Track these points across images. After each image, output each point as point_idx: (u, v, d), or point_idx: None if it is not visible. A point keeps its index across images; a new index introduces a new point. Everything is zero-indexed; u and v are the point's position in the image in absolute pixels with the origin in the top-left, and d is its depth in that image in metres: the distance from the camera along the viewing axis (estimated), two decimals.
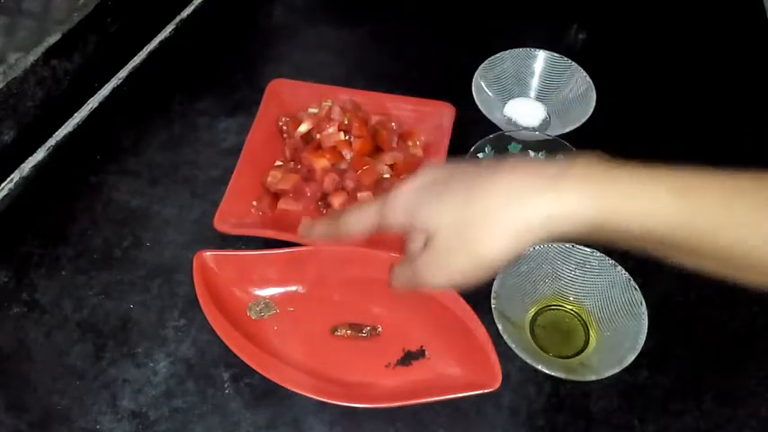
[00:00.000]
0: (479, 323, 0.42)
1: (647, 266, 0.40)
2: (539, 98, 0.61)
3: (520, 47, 0.61)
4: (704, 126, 0.61)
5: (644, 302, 0.44)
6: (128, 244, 0.51)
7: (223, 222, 0.50)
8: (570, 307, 0.47)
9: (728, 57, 0.67)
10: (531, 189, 0.30)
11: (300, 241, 0.48)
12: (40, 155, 0.56)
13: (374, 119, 0.57)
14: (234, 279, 0.47)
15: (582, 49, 0.68)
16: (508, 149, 0.54)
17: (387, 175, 0.54)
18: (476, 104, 0.57)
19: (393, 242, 0.38)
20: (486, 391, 0.41)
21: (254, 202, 0.53)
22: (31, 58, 0.53)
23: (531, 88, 0.62)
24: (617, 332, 0.44)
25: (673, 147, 0.60)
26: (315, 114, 0.57)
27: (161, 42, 0.66)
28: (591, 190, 0.29)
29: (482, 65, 0.60)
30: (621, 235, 0.30)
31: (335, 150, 0.54)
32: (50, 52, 0.55)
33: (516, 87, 0.61)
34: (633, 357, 0.42)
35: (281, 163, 0.55)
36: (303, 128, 0.56)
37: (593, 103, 0.56)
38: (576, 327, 0.47)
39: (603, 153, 0.32)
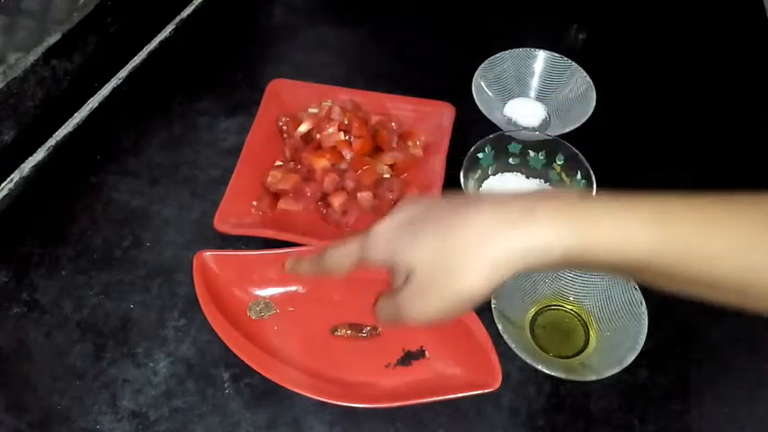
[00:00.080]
0: (479, 323, 0.42)
1: None
2: (539, 98, 0.61)
3: (520, 47, 0.61)
4: (704, 126, 0.61)
5: (644, 302, 0.44)
6: (128, 244, 0.51)
7: (223, 222, 0.50)
8: (570, 307, 0.47)
9: (728, 57, 0.67)
10: (505, 224, 0.30)
11: (301, 241, 0.49)
12: (40, 155, 0.56)
13: (374, 119, 0.57)
14: (234, 279, 0.47)
15: (582, 49, 0.68)
16: (508, 149, 0.54)
17: (387, 175, 0.54)
18: (476, 104, 0.57)
19: None
20: (486, 391, 0.41)
21: (254, 202, 0.53)
22: (31, 58, 0.53)
23: (531, 88, 0.62)
24: (617, 332, 0.44)
25: (673, 147, 0.60)
26: (315, 114, 0.57)
27: (161, 42, 0.66)
28: (564, 223, 0.30)
29: (482, 65, 0.60)
30: (599, 264, 0.31)
31: (335, 150, 0.54)
32: (50, 52, 0.55)
33: (516, 87, 0.61)
34: (633, 357, 0.42)
35: (281, 163, 0.55)
36: (303, 128, 0.56)
37: (593, 103, 0.56)
38: (576, 327, 0.47)
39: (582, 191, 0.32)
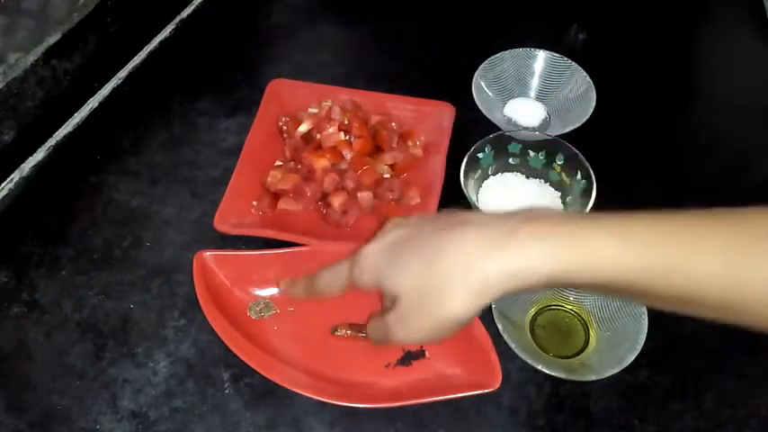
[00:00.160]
0: (479, 323, 0.42)
1: None
2: (539, 98, 0.61)
3: (520, 47, 0.61)
4: (704, 126, 0.61)
5: None
6: (128, 244, 0.51)
7: (223, 222, 0.50)
8: (570, 307, 0.47)
9: (728, 57, 0.67)
10: (488, 247, 0.31)
11: (301, 241, 0.49)
12: (40, 155, 0.56)
13: (374, 119, 0.57)
14: (234, 279, 0.47)
15: (582, 49, 0.68)
16: (508, 149, 0.54)
17: (387, 175, 0.54)
18: (476, 104, 0.57)
19: None
20: (486, 390, 0.41)
21: (254, 202, 0.53)
22: (31, 58, 0.53)
23: (531, 88, 0.62)
24: (617, 332, 0.44)
25: (673, 147, 0.60)
26: (315, 114, 0.57)
27: (161, 42, 0.66)
28: (546, 246, 0.30)
29: (482, 65, 0.60)
30: (583, 285, 0.31)
31: (335, 150, 0.54)
32: (50, 52, 0.55)
33: (516, 87, 0.61)
34: (633, 357, 0.42)
35: (281, 163, 0.55)
36: (303, 128, 0.56)
37: (593, 103, 0.56)
38: (576, 327, 0.47)
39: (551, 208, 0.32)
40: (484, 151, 0.53)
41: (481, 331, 0.43)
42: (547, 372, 0.42)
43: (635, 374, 0.44)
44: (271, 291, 0.47)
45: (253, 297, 0.47)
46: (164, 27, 0.67)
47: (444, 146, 0.55)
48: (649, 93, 0.64)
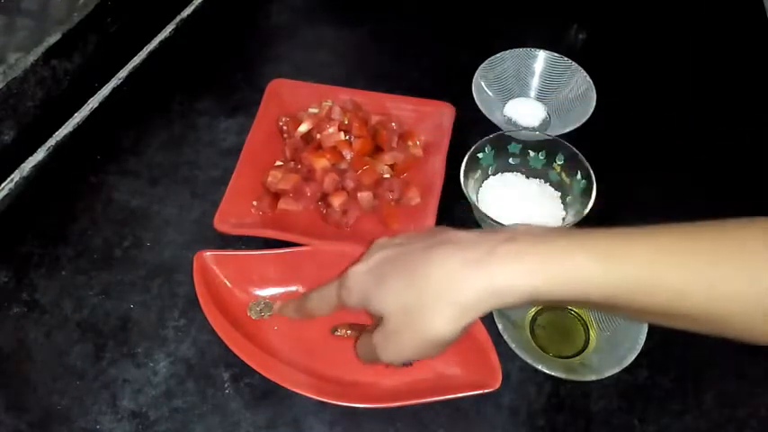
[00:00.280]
0: (479, 323, 0.42)
1: None
2: (539, 98, 0.61)
3: (520, 47, 0.61)
4: (704, 126, 0.61)
5: None
6: (128, 244, 0.51)
7: (223, 222, 0.50)
8: (570, 307, 0.47)
9: (728, 57, 0.67)
10: (467, 267, 0.31)
11: (301, 241, 0.49)
12: (40, 155, 0.56)
13: (374, 119, 0.57)
14: (234, 279, 0.47)
15: (582, 48, 0.68)
16: (508, 149, 0.54)
17: (387, 175, 0.54)
18: (476, 104, 0.57)
19: None
20: (486, 390, 0.41)
21: (255, 202, 0.53)
22: (31, 58, 0.53)
23: (532, 88, 0.62)
24: (617, 332, 0.44)
25: (673, 147, 0.60)
26: (315, 114, 0.57)
27: (161, 42, 0.66)
28: (526, 264, 0.30)
29: (482, 65, 0.60)
30: (564, 301, 0.31)
31: (336, 150, 0.54)
32: (50, 52, 0.55)
33: (516, 87, 0.61)
34: (633, 357, 0.42)
35: (281, 163, 0.55)
36: (303, 128, 0.56)
37: (594, 103, 0.56)
38: (577, 326, 0.47)
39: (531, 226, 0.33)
40: (484, 151, 0.53)
41: (481, 331, 0.43)
42: (547, 372, 0.42)
43: (635, 374, 0.44)
44: (271, 291, 0.47)
45: (253, 297, 0.47)
46: (164, 27, 0.67)
47: (444, 146, 0.55)
48: (649, 93, 0.64)
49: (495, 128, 0.56)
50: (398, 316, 0.33)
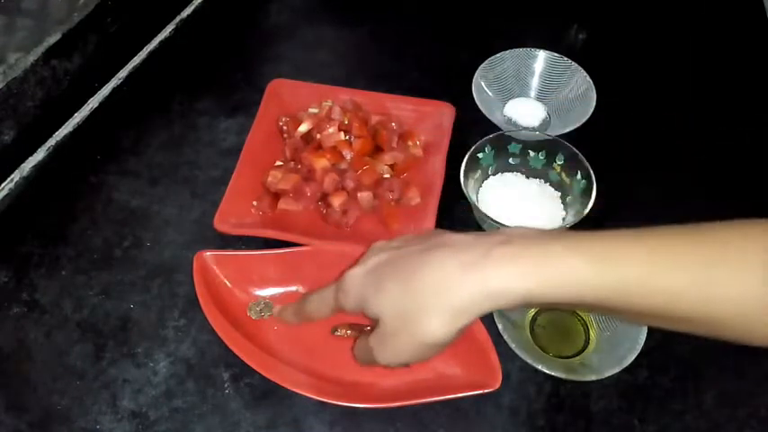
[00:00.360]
0: (479, 323, 0.42)
1: None
2: (539, 98, 0.61)
3: (520, 47, 0.61)
4: (704, 126, 0.61)
5: None
6: (128, 244, 0.51)
7: (223, 222, 0.50)
8: (566, 309, 0.47)
9: (728, 57, 0.67)
10: (462, 270, 0.32)
11: (301, 241, 0.49)
12: (40, 155, 0.56)
13: (374, 119, 0.57)
14: (234, 279, 0.47)
15: (582, 48, 0.68)
16: (508, 149, 0.54)
17: (387, 175, 0.54)
18: (476, 104, 0.57)
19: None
20: (486, 390, 0.41)
21: (255, 202, 0.53)
22: (31, 57, 0.53)
23: (532, 88, 0.62)
24: (617, 332, 0.44)
25: (673, 147, 0.60)
26: (315, 114, 0.57)
27: (161, 42, 0.66)
28: (520, 267, 0.31)
29: (482, 65, 0.60)
30: (558, 304, 0.31)
31: (336, 150, 0.54)
32: (50, 52, 0.55)
33: (516, 87, 0.61)
34: (633, 357, 0.42)
35: (281, 163, 0.55)
36: (303, 128, 0.56)
37: (594, 103, 0.56)
38: (576, 326, 0.47)
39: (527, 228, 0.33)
40: (484, 151, 0.53)
41: (481, 331, 0.43)
42: (547, 372, 0.42)
43: (635, 374, 0.44)
44: (271, 291, 0.47)
45: (253, 297, 0.47)
46: (164, 27, 0.67)
47: (444, 146, 0.55)
48: (649, 93, 0.64)
49: (495, 128, 0.56)
50: (394, 319, 0.34)
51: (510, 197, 0.53)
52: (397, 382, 0.44)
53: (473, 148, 0.52)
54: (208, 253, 0.46)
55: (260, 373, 0.42)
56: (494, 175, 0.54)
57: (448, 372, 0.44)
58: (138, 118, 0.60)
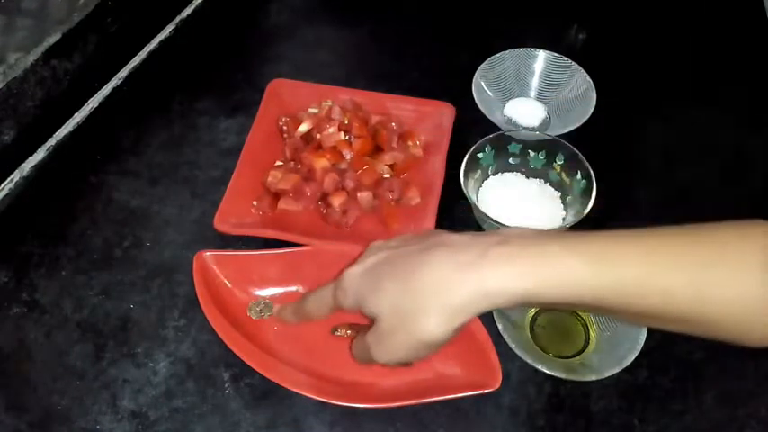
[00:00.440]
0: (479, 323, 0.42)
1: None
2: (539, 98, 0.61)
3: (520, 47, 0.61)
4: (703, 126, 0.61)
5: None
6: (128, 244, 0.52)
7: (223, 222, 0.50)
8: (563, 309, 0.47)
9: (728, 56, 0.67)
10: (459, 270, 0.32)
11: (301, 241, 0.49)
12: (40, 155, 0.56)
13: (374, 119, 0.57)
14: (234, 279, 0.47)
15: (582, 48, 0.68)
16: (508, 149, 0.54)
17: (387, 175, 0.54)
18: (476, 104, 0.57)
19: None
20: (486, 390, 0.41)
21: (255, 202, 0.53)
22: (32, 58, 0.54)
23: (532, 88, 0.62)
24: (617, 332, 0.44)
25: (672, 147, 0.60)
26: (315, 114, 0.57)
27: (161, 42, 0.66)
28: (516, 267, 0.31)
29: (482, 65, 0.60)
30: (555, 303, 0.32)
31: (335, 150, 0.54)
32: (50, 52, 0.55)
33: (516, 87, 0.61)
34: (633, 357, 0.42)
35: (281, 163, 0.55)
36: (303, 128, 0.56)
37: (594, 103, 0.56)
38: (576, 326, 0.47)
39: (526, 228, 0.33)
40: (484, 151, 0.53)
41: (481, 331, 0.43)
42: (547, 372, 0.42)
43: (635, 374, 0.44)
44: (271, 291, 0.47)
45: (253, 297, 0.47)
46: (164, 27, 0.67)
47: (444, 146, 0.55)
48: (649, 93, 0.64)
49: (495, 128, 0.56)
50: (392, 317, 0.34)
51: (510, 197, 0.53)
52: (398, 382, 0.44)
53: (473, 148, 0.52)
54: (208, 253, 0.46)
55: (260, 373, 0.42)
56: (494, 175, 0.54)
57: (448, 372, 0.44)
58: (138, 118, 0.60)
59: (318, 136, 0.54)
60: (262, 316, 0.46)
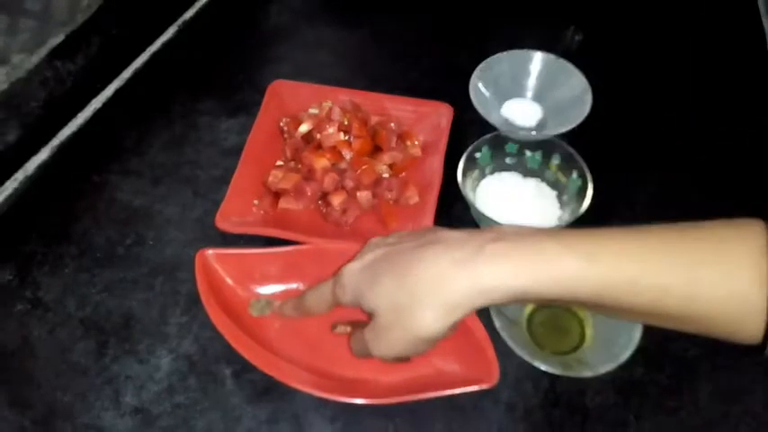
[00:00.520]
0: (477, 320, 0.43)
1: None
2: (535, 99, 0.62)
3: (517, 48, 0.62)
4: (700, 126, 0.62)
5: None
6: (130, 242, 0.52)
7: (225, 221, 0.51)
8: (557, 305, 0.48)
9: (725, 57, 0.68)
10: (455, 266, 0.32)
11: (301, 239, 0.49)
12: (43, 154, 0.57)
13: (374, 119, 0.57)
14: (235, 277, 0.47)
15: (578, 50, 0.69)
16: (505, 149, 0.55)
17: (386, 175, 0.54)
18: (473, 105, 0.57)
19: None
20: (483, 387, 0.41)
21: (256, 201, 0.53)
22: (35, 59, 0.54)
23: (528, 89, 0.62)
24: (613, 329, 0.45)
25: (669, 147, 0.60)
26: (315, 115, 0.57)
27: (163, 44, 0.67)
28: (512, 264, 0.31)
29: (480, 66, 0.60)
30: (550, 300, 0.32)
31: (335, 150, 0.54)
32: (54, 53, 0.55)
33: (513, 88, 0.62)
34: (629, 354, 0.42)
35: (281, 163, 0.56)
36: (303, 128, 0.56)
37: (589, 104, 0.57)
38: (573, 323, 0.47)
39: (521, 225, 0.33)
40: (481, 151, 0.53)
41: (479, 328, 0.43)
42: (543, 368, 0.42)
43: (631, 371, 0.45)
44: (272, 288, 0.48)
45: (254, 294, 0.48)
46: (166, 28, 0.67)
47: (442, 146, 0.56)
48: (645, 94, 0.64)
49: (492, 128, 0.56)
50: (389, 313, 0.34)
51: (507, 196, 0.53)
52: (396, 378, 0.44)
53: (471, 147, 0.52)
54: (209, 251, 0.47)
55: (261, 370, 0.42)
56: (491, 174, 0.55)
57: (446, 368, 0.44)
58: (141, 118, 0.61)
59: (318, 136, 0.55)
60: (263, 313, 0.47)
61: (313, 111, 0.58)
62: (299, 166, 0.55)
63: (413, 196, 0.54)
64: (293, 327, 0.46)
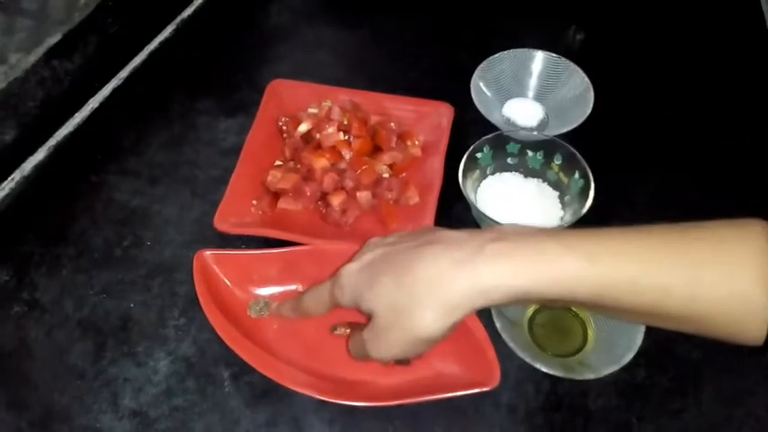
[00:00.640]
0: (478, 322, 0.43)
1: None
2: (537, 98, 0.62)
3: (518, 47, 0.61)
4: (702, 126, 0.61)
5: None
6: (128, 243, 0.52)
7: (223, 222, 0.51)
8: (558, 305, 0.47)
9: (726, 56, 0.68)
10: (454, 267, 0.32)
11: (300, 240, 0.49)
12: (40, 154, 0.56)
13: (373, 119, 0.57)
14: (234, 278, 0.47)
15: (580, 49, 0.68)
16: (506, 149, 0.54)
17: (386, 175, 0.54)
18: (474, 105, 0.57)
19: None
20: (484, 389, 0.41)
21: (254, 202, 0.53)
22: (32, 58, 0.54)
23: (530, 88, 0.62)
24: (615, 331, 0.44)
25: (670, 146, 0.60)
26: (314, 114, 0.57)
27: (161, 43, 0.66)
28: (511, 264, 0.31)
29: (481, 65, 0.60)
30: (550, 301, 0.32)
31: (335, 150, 0.54)
32: (51, 52, 0.55)
33: (515, 88, 0.62)
34: (631, 356, 0.42)
35: (280, 162, 0.56)
36: (303, 128, 0.56)
37: (591, 104, 0.57)
38: (575, 325, 0.47)
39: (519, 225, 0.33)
40: (482, 151, 0.53)
41: (480, 330, 0.43)
42: (545, 370, 0.42)
43: (633, 373, 0.44)
44: (270, 290, 0.48)
45: (253, 296, 0.47)
46: (164, 27, 0.67)
47: (443, 146, 0.56)
48: (647, 93, 0.64)
49: (493, 128, 0.56)
50: (388, 313, 0.34)
51: (508, 197, 0.53)
52: (396, 380, 0.44)
53: (471, 147, 0.52)
54: (208, 252, 0.46)
55: (260, 372, 0.42)
56: (492, 174, 0.55)
57: (446, 370, 0.44)
58: (139, 118, 0.60)
59: (318, 136, 0.55)
60: (261, 315, 0.46)
61: (312, 110, 0.58)
62: (299, 166, 0.54)
63: (413, 196, 0.53)
64: (292, 328, 0.46)
